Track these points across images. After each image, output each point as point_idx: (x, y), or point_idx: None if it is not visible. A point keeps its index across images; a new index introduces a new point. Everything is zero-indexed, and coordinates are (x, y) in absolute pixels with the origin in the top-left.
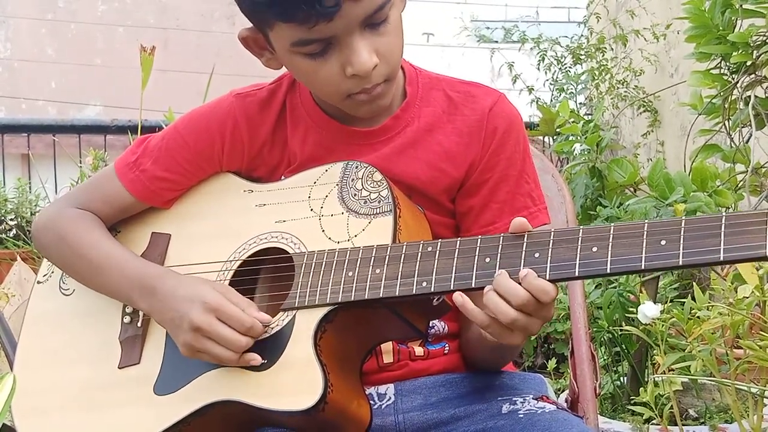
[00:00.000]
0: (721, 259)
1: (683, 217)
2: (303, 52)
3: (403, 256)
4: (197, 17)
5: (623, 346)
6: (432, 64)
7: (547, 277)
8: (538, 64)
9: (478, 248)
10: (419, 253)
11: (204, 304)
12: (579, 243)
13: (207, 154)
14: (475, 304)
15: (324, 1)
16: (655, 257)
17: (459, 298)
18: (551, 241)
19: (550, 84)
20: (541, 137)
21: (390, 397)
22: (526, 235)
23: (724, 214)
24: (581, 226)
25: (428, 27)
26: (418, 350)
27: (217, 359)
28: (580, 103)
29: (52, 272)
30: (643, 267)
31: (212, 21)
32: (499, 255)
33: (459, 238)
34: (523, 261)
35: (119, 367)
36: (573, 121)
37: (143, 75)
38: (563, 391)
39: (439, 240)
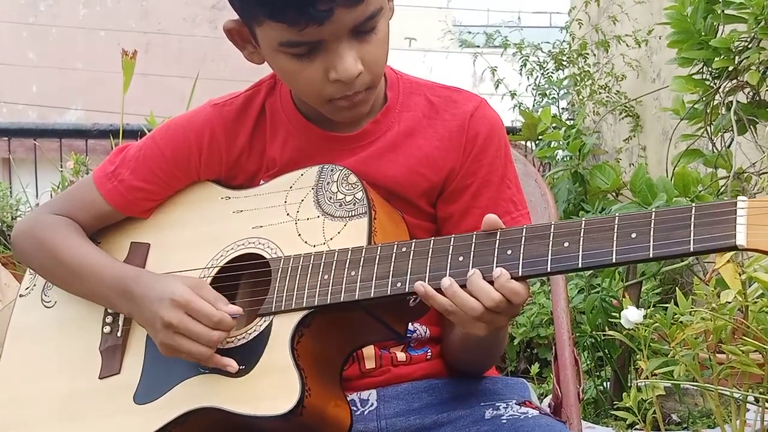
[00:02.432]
0: (692, 250)
1: (653, 209)
2: (289, 53)
3: (377, 257)
4: (179, 21)
5: (606, 350)
6: (414, 68)
7: (520, 274)
8: (521, 69)
9: (451, 247)
10: (393, 254)
11: (172, 300)
12: (551, 238)
13: (184, 166)
14: None
15: (317, 5)
16: (626, 250)
17: (421, 288)
18: (523, 237)
19: (533, 89)
20: (523, 142)
21: (372, 403)
22: (498, 233)
23: (693, 204)
24: (553, 222)
25: (410, 32)
26: (401, 356)
27: (192, 356)
28: (563, 108)
29: (35, 285)
30: (614, 261)
31: (194, 25)
32: (472, 253)
33: (433, 238)
34: (496, 258)
35: (100, 378)
36: (555, 127)
37: (125, 79)
38: (546, 395)
39: (414, 240)
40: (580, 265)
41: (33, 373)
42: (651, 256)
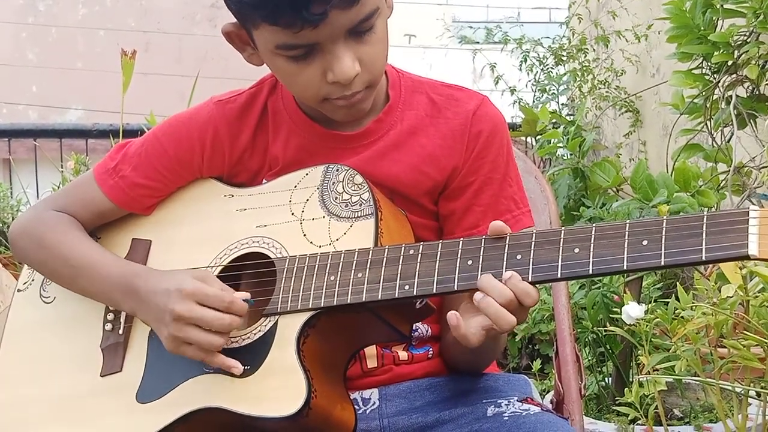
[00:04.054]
0: (703, 258)
1: (664, 217)
2: (286, 55)
3: (385, 259)
4: (178, 20)
5: (608, 346)
6: (414, 65)
7: (530, 279)
8: (520, 65)
9: (460, 251)
10: (401, 257)
11: (181, 291)
12: (561, 244)
13: (186, 163)
14: (457, 305)
15: (312, 7)
16: (637, 257)
17: (454, 319)
18: (533, 242)
19: (533, 85)
20: (523, 138)
21: (374, 402)
22: (508, 237)
23: (705, 213)
24: (563, 227)
25: (410, 28)
26: (402, 354)
27: (205, 345)
28: (562, 104)
29: (33, 280)
30: (625, 267)
31: (194, 24)
32: (481, 257)
33: (441, 241)
34: (505, 263)
35: (101, 376)
36: (554, 124)
37: (124, 79)
38: (548, 392)
39: (421, 243)
40: (590, 272)
41: (32, 372)
42: (663, 263)
